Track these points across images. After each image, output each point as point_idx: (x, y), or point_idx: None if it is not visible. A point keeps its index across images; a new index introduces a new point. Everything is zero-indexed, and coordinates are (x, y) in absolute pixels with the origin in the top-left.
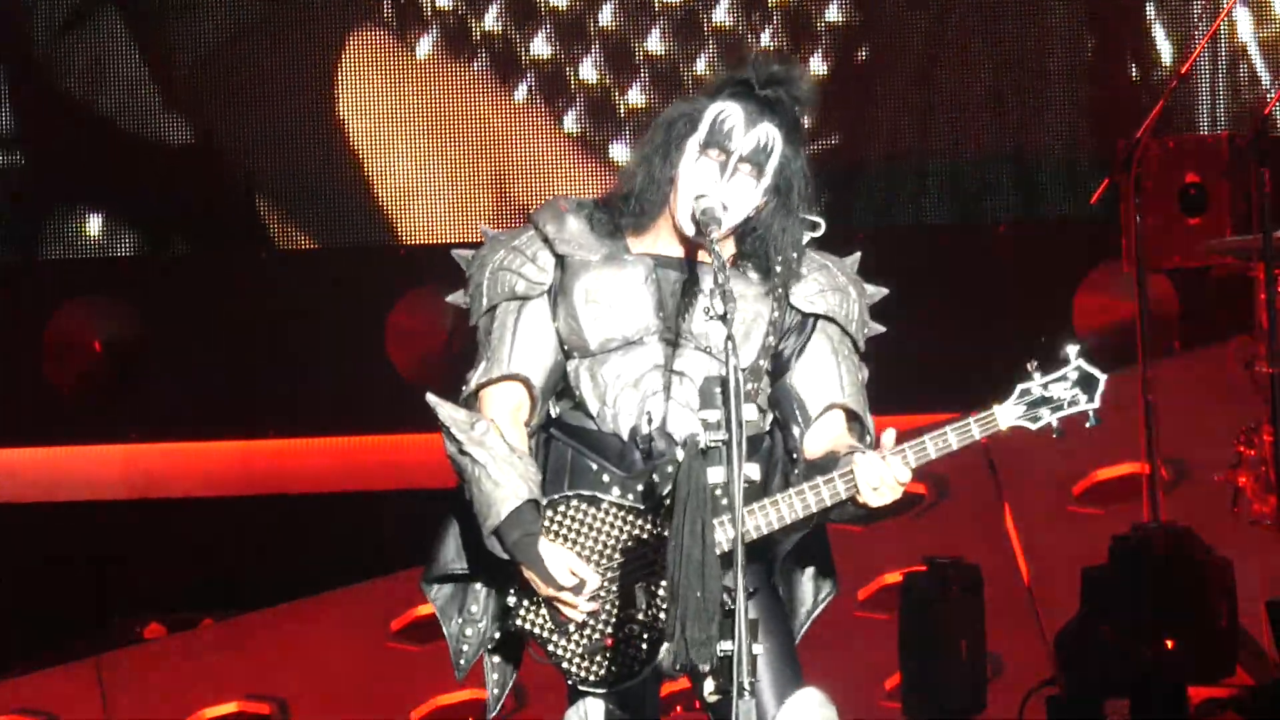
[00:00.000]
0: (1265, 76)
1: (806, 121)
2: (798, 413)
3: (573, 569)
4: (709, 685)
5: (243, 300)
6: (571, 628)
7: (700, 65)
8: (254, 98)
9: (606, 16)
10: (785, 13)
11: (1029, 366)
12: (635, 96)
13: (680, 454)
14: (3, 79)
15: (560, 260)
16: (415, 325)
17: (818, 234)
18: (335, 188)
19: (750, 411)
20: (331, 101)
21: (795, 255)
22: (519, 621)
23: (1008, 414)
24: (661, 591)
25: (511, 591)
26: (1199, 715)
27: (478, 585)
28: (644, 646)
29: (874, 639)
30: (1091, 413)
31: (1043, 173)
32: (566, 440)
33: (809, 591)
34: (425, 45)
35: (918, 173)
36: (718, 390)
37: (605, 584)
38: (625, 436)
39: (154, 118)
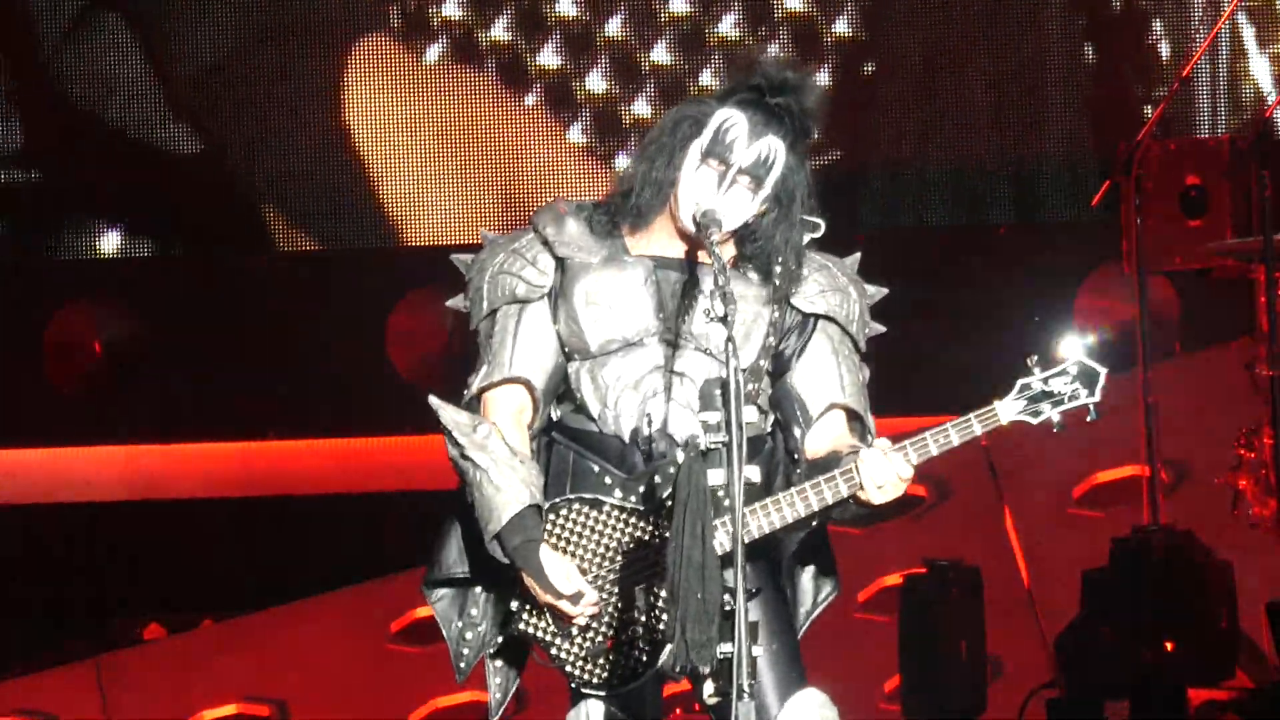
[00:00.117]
0: (1267, 79)
1: (814, 131)
2: (798, 413)
3: (571, 577)
4: (709, 687)
5: (243, 302)
6: (574, 631)
7: (706, 77)
8: (253, 99)
9: (614, 28)
10: (791, 25)
11: (1029, 362)
12: (641, 108)
13: (681, 455)
14: (9, 84)
15: (560, 263)
16: (416, 326)
17: (818, 235)
18: (335, 189)
19: (751, 413)
20: (330, 103)
21: (796, 261)
22: (522, 625)
23: (1009, 409)
24: (663, 593)
25: (513, 595)
26: (1199, 717)
27: (478, 589)
28: (646, 649)
29: (874, 641)
30: (1092, 406)
31: (1044, 175)
32: (568, 443)
33: (809, 592)
34: (432, 52)
35: (919, 174)
36: (718, 392)
37: (607, 587)
38: (626, 438)
39: (155, 120)
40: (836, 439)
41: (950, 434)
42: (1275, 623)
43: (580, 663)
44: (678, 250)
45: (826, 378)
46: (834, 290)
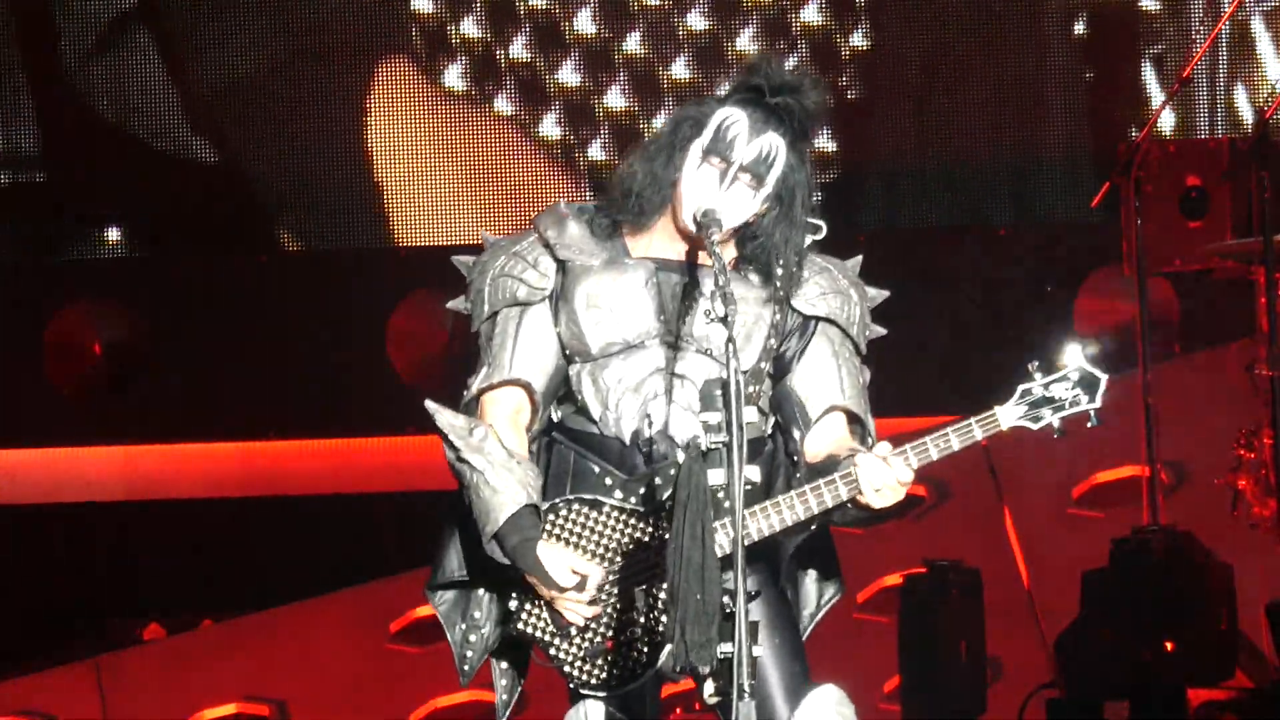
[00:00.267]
0: (1268, 79)
1: (815, 130)
2: (799, 415)
3: (573, 568)
4: (709, 687)
5: (243, 302)
6: (573, 631)
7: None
8: (256, 104)
9: (633, 44)
10: (810, 39)
11: (1030, 367)
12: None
13: (681, 457)
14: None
15: (561, 265)
16: (415, 328)
17: (819, 237)
18: (336, 191)
19: (751, 414)
20: (333, 106)
21: (797, 261)
22: (520, 625)
23: (1009, 414)
24: (662, 594)
25: (513, 595)
26: (1198, 718)
27: (481, 591)
28: (645, 649)
29: (874, 641)
30: (1093, 412)
31: (1043, 176)
32: (568, 444)
33: (812, 594)
34: (441, 63)
35: (919, 176)
36: (718, 393)
37: (607, 586)
38: (627, 440)
39: (157, 123)
40: (837, 441)
41: (950, 438)
42: (1275, 623)
43: (579, 663)
44: (679, 252)
45: (827, 380)
46: (835, 293)
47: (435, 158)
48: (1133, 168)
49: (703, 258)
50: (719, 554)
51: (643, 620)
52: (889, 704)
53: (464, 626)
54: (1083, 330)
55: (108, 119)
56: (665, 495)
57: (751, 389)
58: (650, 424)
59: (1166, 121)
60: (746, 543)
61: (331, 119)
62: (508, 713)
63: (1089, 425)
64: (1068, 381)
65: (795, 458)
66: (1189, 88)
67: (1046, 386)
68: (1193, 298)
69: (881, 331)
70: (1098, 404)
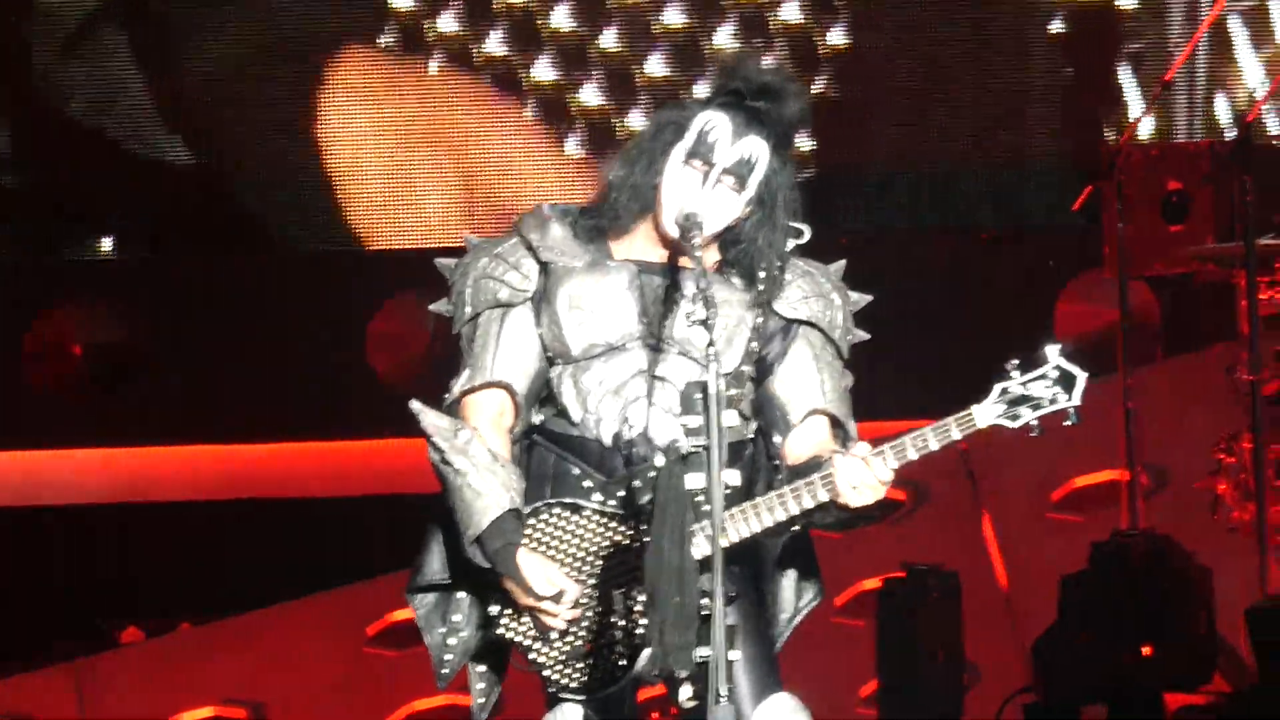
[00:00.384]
0: (1249, 83)
1: (797, 133)
2: (780, 419)
3: (551, 579)
4: (686, 691)
5: (225, 305)
6: (554, 635)
7: (701, 90)
8: (239, 106)
9: (609, 40)
10: (790, 38)
11: (1008, 365)
12: (636, 120)
13: (661, 460)
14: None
15: (544, 267)
16: (397, 331)
17: (801, 240)
18: (318, 193)
19: (732, 417)
20: (315, 108)
21: (779, 265)
22: (501, 630)
23: (986, 413)
24: (642, 598)
25: (494, 600)
26: None
27: (461, 595)
28: (625, 653)
29: (851, 645)
30: (1071, 410)
31: (1025, 180)
32: (549, 446)
33: (790, 597)
34: (420, 60)
35: (900, 180)
36: (698, 396)
37: (587, 591)
38: (607, 442)
39: (141, 124)
40: (818, 444)
41: (928, 438)
42: (1254, 628)
43: (559, 667)
44: (661, 255)
45: (808, 383)
46: (817, 296)
47: (417, 162)
48: (1114, 171)
49: (685, 261)
50: (698, 557)
51: (623, 624)
52: (866, 708)
53: (443, 630)
54: (1064, 334)
55: (82, 121)
56: (645, 499)
57: (733, 392)
58: (630, 427)
59: (1144, 125)
60: (725, 545)
61: (309, 121)
62: (485, 715)
63: (1067, 423)
64: (1046, 379)
65: (776, 461)
66: (1168, 92)
67: (1024, 385)
68: (1174, 302)
69: (864, 336)
70: (1076, 402)
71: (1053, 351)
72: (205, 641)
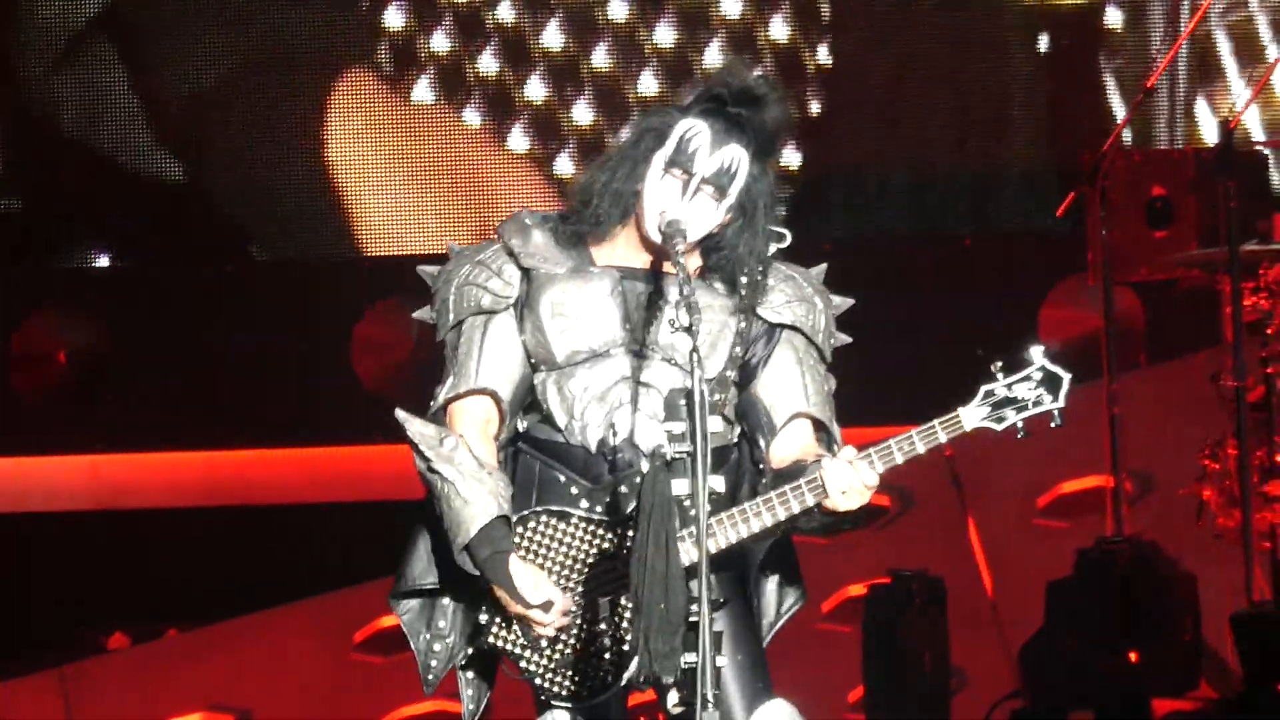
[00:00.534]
0: (1229, 89)
1: (778, 140)
2: (764, 423)
3: (541, 587)
4: (673, 697)
5: (208, 312)
6: (544, 643)
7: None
8: (224, 114)
9: (599, 57)
10: (776, 55)
11: (993, 368)
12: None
13: (645, 466)
14: None
15: (526, 273)
16: (381, 337)
17: (783, 245)
18: (301, 201)
19: (716, 423)
20: (298, 116)
21: (761, 270)
22: (491, 639)
23: (973, 415)
24: (629, 604)
25: (483, 609)
26: None
27: (445, 601)
28: (615, 660)
29: (838, 651)
30: (1056, 412)
31: (1009, 185)
32: (534, 453)
33: (773, 602)
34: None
35: (884, 185)
36: (682, 402)
37: (576, 598)
38: (592, 448)
39: (124, 133)
40: (802, 448)
41: (915, 441)
42: (1239, 634)
43: (550, 674)
44: (644, 261)
45: (791, 387)
46: (800, 300)
47: (400, 169)
48: (1098, 177)
49: (668, 266)
50: (685, 563)
51: (611, 631)
52: (853, 714)
53: (428, 636)
54: (1048, 339)
55: (72, 132)
56: (630, 505)
57: (716, 397)
58: (615, 433)
59: (1127, 131)
60: (712, 551)
61: (295, 130)
62: None
63: (1053, 425)
64: (1031, 381)
65: (761, 465)
66: (1150, 98)
67: (1010, 387)
68: (1158, 308)
69: (846, 339)
70: (1061, 403)
71: (1037, 353)
72: (192, 648)
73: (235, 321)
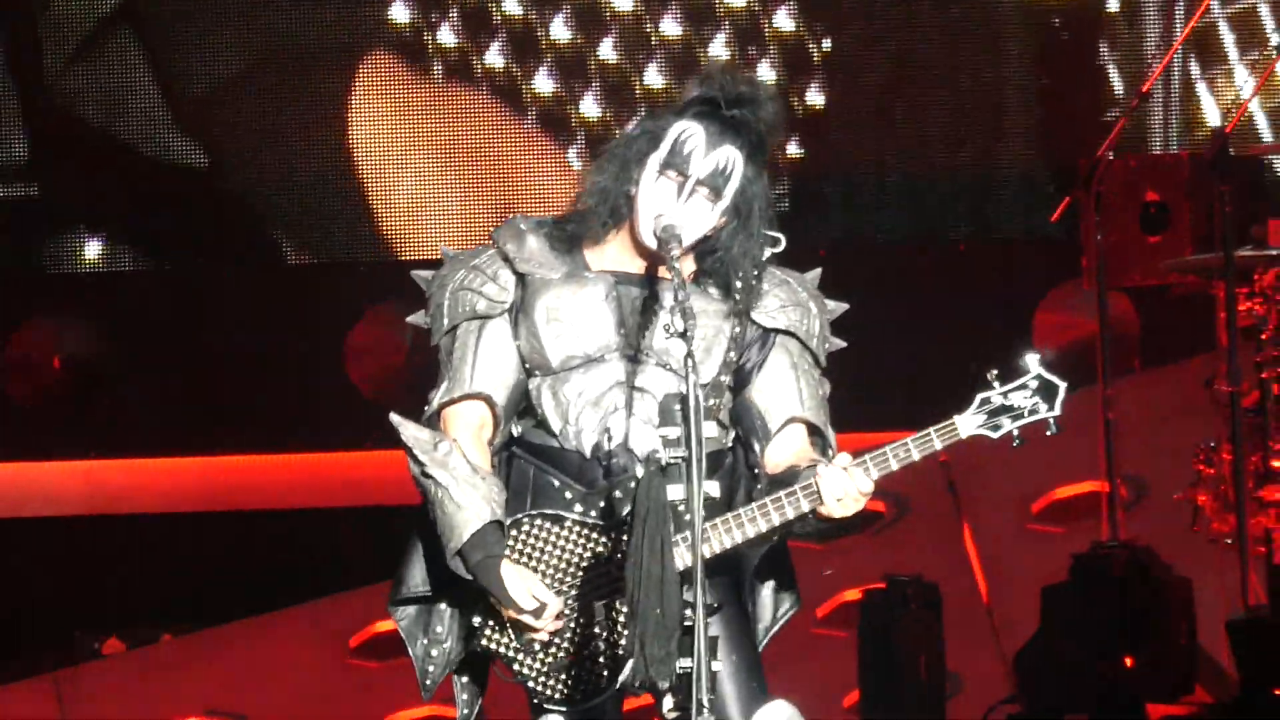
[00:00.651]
0: (1227, 94)
1: (772, 142)
2: (759, 427)
3: (534, 592)
4: (669, 702)
5: (203, 317)
6: (537, 647)
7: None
8: (218, 117)
9: (606, 51)
10: (783, 45)
11: (989, 376)
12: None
13: (640, 471)
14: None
15: (521, 279)
16: (375, 342)
17: (778, 249)
18: (297, 206)
19: (711, 428)
20: (295, 120)
21: (756, 274)
22: (485, 642)
23: (968, 423)
24: (624, 609)
25: (476, 612)
26: None
27: (443, 606)
28: (609, 664)
29: (833, 656)
30: (1052, 420)
31: (1004, 190)
32: (529, 458)
33: (768, 607)
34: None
35: (879, 190)
36: (677, 407)
37: (570, 602)
38: (587, 453)
39: (123, 128)
40: (797, 453)
41: (910, 448)
42: (1235, 639)
43: (543, 678)
44: (638, 266)
45: (786, 392)
46: (794, 305)
47: (404, 168)
48: (1093, 182)
49: (662, 271)
50: (680, 568)
51: (606, 635)
52: (848, 719)
53: (425, 641)
54: (1042, 344)
55: (93, 126)
56: (625, 510)
57: (711, 402)
58: (610, 438)
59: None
60: (707, 556)
61: (296, 136)
62: None
63: (1048, 433)
64: (1026, 389)
65: (756, 470)
66: (1145, 103)
67: (1005, 395)
68: (1153, 313)
69: (841, 344)
70: (1057, 412)
71: (1033, 361)
72: (187, 653)
73: (229, 327)
